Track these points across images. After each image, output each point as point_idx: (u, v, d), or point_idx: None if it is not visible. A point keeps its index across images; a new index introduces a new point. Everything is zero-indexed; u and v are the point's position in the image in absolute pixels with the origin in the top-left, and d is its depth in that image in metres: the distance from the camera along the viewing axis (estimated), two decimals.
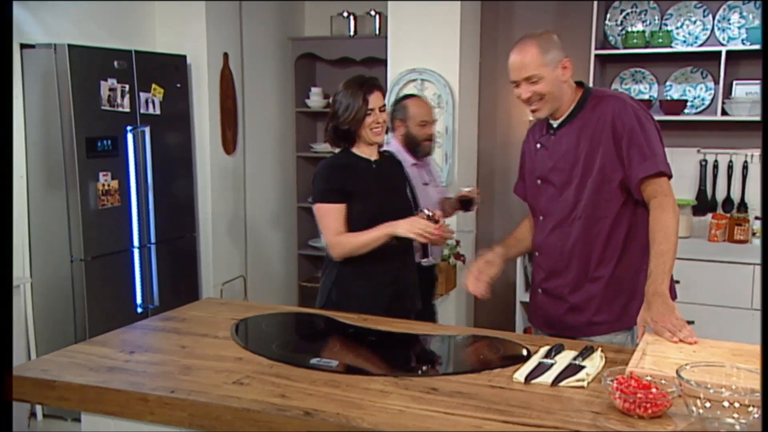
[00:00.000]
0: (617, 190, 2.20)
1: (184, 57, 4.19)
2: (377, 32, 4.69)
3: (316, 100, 4.89)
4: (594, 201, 2.21)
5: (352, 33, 4.77)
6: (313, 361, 1.93)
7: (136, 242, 3.90)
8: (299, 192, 5.01)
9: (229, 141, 4.49)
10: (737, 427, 1.45)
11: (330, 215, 2.50)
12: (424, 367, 1.95)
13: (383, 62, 4.34)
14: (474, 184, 4.48)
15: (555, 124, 2.29)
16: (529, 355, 1.93)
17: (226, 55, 4.40)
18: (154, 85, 3.93)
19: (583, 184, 2.22)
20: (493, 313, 4.54)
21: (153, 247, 4.00)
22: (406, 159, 3.00)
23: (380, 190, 2.53)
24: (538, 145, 2.35)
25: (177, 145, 4.18)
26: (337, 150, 2.64)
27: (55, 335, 3.58)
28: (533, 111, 2.25)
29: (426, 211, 2.44)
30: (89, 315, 3.59)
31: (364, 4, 4.72)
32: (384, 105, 2.54)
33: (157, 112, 3.97)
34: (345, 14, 4.78)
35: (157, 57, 4.03)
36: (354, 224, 2.49)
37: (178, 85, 4.14)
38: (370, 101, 2.47)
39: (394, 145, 3.10)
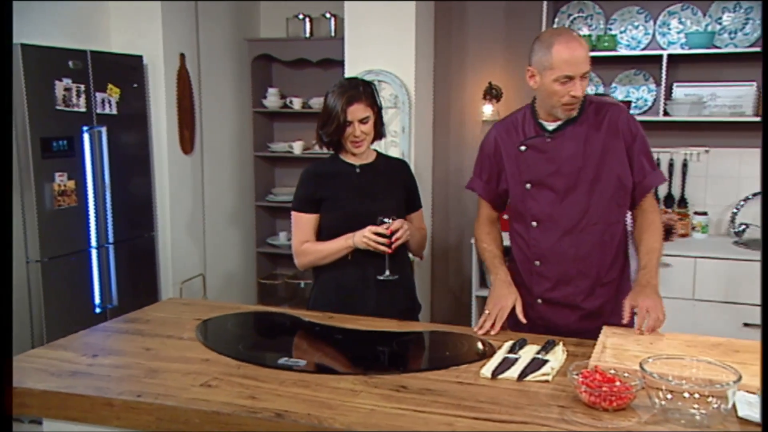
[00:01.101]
0: (629, 195, 2.17)
1: (140, 57, 4.05)
2: (333, 34, 4.63)
3: (272, 100, 4.80)
4: (608, 206, 2.14)
5: (308, 34, 4.70)
6: (281, 360, 1.88)
7: (93, 242, 3.76)
8: (257, 191, 4.92)
9: (187, 141, 4.37)
10: (698, 417, 1.46)
11: (299, 224, 2.44)
12: (392, 365, 1.91)
13: (340, 63, 4.28)
14: (429, 188, 4.47)
15: (551, 127, 2.15)
16: (494, 351, 1.91)
17: (182, 55, 4.28)
18: (110, 85, 3.79)
19: (593, 189, 2.12)
20: (449, 308, 4.55)
21: (111, 247, 3.87)
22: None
23: (357, 197, 2.39)
24: (523, 148, 2.19)
25: (134, 144, 4.04)
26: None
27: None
28: (569, 110, 2.08)
29: (386, 220, 2.29)
30: (46, 317, 3.44)
31: (320, 6, 4.65)
32: (366, 117, 2.36)
33: (114, 112, 3.83)
34: (300, 16, 4.70)
35: (112, 57, 3.89)
36: (326, 231, 2.41)
37: (135, 85, 4.01)
38: (348, 114, 2.33)
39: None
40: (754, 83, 3.68)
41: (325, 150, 2.52)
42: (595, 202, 2.13)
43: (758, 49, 3.65)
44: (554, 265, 2.18)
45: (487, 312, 2.12)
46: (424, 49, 4.23)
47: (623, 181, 2.13)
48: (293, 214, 2.46)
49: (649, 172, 2.15)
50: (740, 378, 1.46)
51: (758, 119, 3.63)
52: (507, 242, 2.36)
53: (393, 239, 2.29)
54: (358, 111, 2.33)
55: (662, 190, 3.98)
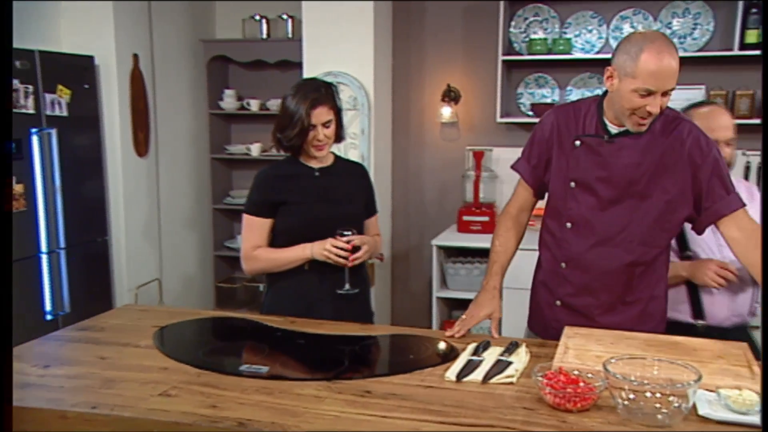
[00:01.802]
0: (678, 223, 2.02)
1: (91, 57, 3.94)
2: (291, 35, 4.58)
3: (229, 102, 4.72)
4: (651, 228, 1.99)
5: (265, 36, 4.63)
6: (243, 368, 1.83)
7: (44, 247, 3.63)
8: (214, 193, 4.83)
9: (141, 143, 4.26)
10: (659, 417, 1.47)
11: (250, 228, 2.36)
12: (356, 370, 1.88)
13: (298, 65, 4.23)
14: (389, 190, 4.46)
15: (614, 130, 1.98)
16: (458, 353, 1.90)
17: (135, 56, 4.17)
18: (60, 86, 3.67)
19: (638, 206, 1.98)
20: (410, 309, 4.54)
21: (62, 252, 3.75)
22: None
23: (316, 202, 2.33)
24: (578, 143, 2.02)
25: (86, 147, 3.93)
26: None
27: None
28: (640, 125, 1.91)
29: (346, 233, 2.23)
30: None
31: (277, 7, 4.59)
32: (329, 120, 2.30)
33: (65, 113, 3.71)
34: (257, 17, 4.64)
35: (62, 57, 3.77)
36: (284, 236, 2.34)
37: (86, 86, 3.89)
38: (312, 118, 2.25)
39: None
40: (703, 86, 3.76)
41: (282, 153, 2.45)
42: (638, 219, 1.99)
43: (707, 54, 3.75)
44: (580, 271, 2.06)
45: (464, 317, 2.09)
46: (383, 51, 4.21)
47: (674, 205, 1.97)
48: (246, 217, 2.37)
49: (723, 196, 1.94)
50: (700, 377, 1.47)
51: None
52: (528, 244, 2.27)
53: (352, 255, 2.24)
54: (321, 114, 2.27)
55: None
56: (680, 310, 2.23)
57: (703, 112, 2.20)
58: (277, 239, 2.36)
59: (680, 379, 1.51)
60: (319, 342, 2.07)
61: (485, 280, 2.16)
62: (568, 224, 2.07)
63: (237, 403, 1.62)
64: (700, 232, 2.05)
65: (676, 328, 2.09)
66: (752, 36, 3.59)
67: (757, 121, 3.65)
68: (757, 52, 3.58)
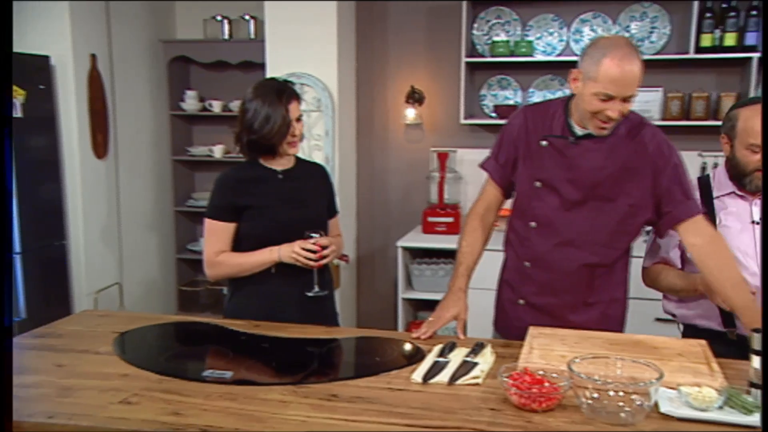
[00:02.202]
0: (639, 226, 2.05)
1: (47, 57, 3.83)
2: (253, 36, 4.52)
3: (191, 103, 4.65)
4: (613, 231, 2.02)
5: (227, 36, 4.57)
6: (206, 373, 1.80)
7: None
8: (176, 196, 4.75)
9: (100, 144, 4.16)
10: (622, 415, 1.48)
11: (213, 232, 2.29)
12: (322, 373, 1.86)
13: (260, 66, 4.19)
14: (354, 191, 4.44)
15: (579, 132, 2.00)
16: (424, 355, 1.90)
17: (93, 56, 4.07)
18: (14, 87, 3.56)
19: (601, 208, 2.00)
20: (376, 311, 4.53)
21: (18, 257, 3.64)
22: (722, 184, 2.15)
23: (282, 205, 2.28)
24: (544, 143, 2.03)
25: (43, 148, 3.82)
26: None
27: None
28: (602, 129, 1.93)
29: (314, 235, 2.20)
30: None
31: (238, 7, 4.53)
32: (301, 115, 2.28)
33: (19, 114, 3.61)
34: (218, 18, 4.57)
35: (16, 57, 3.65)
36: (250, 240, 2.28)
37: (42, 87, 3.78)
38: (291, 112, 2.22)
39: (720, 170, 2.20)
40: (661, 89, 3.84)
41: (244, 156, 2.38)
42: (601, 221, 2.01)
43: (664, 57, 3.82)
44: (543, 271, 2.09)
45: (431, 319, 2.08)
46: (347, 52, 4.20)
47: (636, 209, 2.00)
48: (208, 221, 2.30)
49: (682, 201, 1.98)
50: (662, 376, 1.49)
51: (665, 123, 3.79)
52: (494, 245, 2.29)
53: (321, 255, 2.21)
54: (295, 109, 2.25)
55: None
56: (711, 318, 2.14)
57: (616, 54, 1.85)
58: (241, 243, 2.30)
59: (642, 378, 1.53)
60: (285, 346, 2.04)
61: (451, 282, 2.16)
62: (533, 223, 2.09)
63: (200, 409, 1.59)
64: (661, 236, 2.11)
65: (708, 335, 2.03)
66: (707, 40, 3.67)
67: (713, 122, 3.73)
68: (712, 56, 3.66)
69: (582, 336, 1.94)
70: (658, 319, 3.50)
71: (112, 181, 4.34)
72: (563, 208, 2.04)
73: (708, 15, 3.65)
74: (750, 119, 2.01)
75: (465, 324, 2.10)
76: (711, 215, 2.08)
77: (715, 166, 3.84)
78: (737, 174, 2.06)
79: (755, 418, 1.46)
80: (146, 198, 4.66)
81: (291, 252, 2.20)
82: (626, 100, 1.86)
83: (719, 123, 3.66)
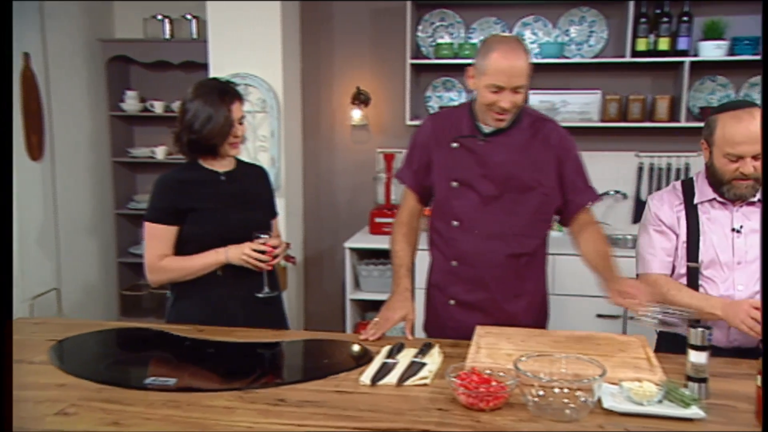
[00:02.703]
0: (552, 214, 2.15)
1: None
2: (195, 36, 4.43)
3: (131, 103, 4.52)
4: (531, 220, 2.11)
5: (168, 36, 4.46)
6: (148, 380, 1.74)
7: None
8: (117, 198, 4.61)
9: (35, 146, 4.00)
10: (567, 412, 1.50)
11: (155, 236, 2.22)
12: (269, 378, 1.82)
13: (203, 66, 4.10)
14: (300, 192, 4.40)
15: (486, 130, 2.09)
16: (372, 356, 1.88)
17: (26, 54, 3.91)
18: None
19: (518, 199, 2.09)
20: (324, 313, 4.49)
21: None
22: (704, 191, 2.08)
23: (226, 207, 2.21)
24: (455, 145, 2.11)
25: None
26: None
27: None
28: (499, 120, 2.02)
29: (263, 236, 2.17)
30: None
31: (180, 6, 4.43)
32: (244, 116, 2.25)
33: None
34: (159, 17, 4.46)
35: None
36: (194, 243, 2.21)
37: None
38: (233, 113, 2.18)
39: (701, 175, 2.12)
40: (599, 91, 3.93)
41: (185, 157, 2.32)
42: (519, 212, 2.10)
43: (602, 60, 3.91)
44: (471, 267, 2.14)
45: (376, 320, 2.08)
46: (292, 53, 4.15)
47: (549, 198, 2.11)
48: (148, 225, 2.23)
49: (582, 189, 2.13)
50: (605, 372, 1.52)
51: (603, 125, 3.89)
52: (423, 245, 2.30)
53: (271, 255, 2.17)
54: (238, 110, 2.21)
55: None
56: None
57: (503, 48, 1.97)
58: (185, 247, 2.23)
59: (586, 375, 1.55)
60: (230, 350, 2.00)
61: (395, 283, 2.18)
62: (455, 222, 2.15)
63: (142, 418, 1.54)
64: (566, 224, 2.20)
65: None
66: (642, 44, 3.77)
67: (649, 124, 3.84)
68: (647, 59, 3.76)
69: (528, 334, 1.97)
70: (599, 315, 3.60)
71: (49, 184, 4.17)
72: (482, 203, 2.12)
73: (643, 20, 3.75)
74: (728, 126, 1.94)
75: (413, 324, 2.10)
76: (694, 219, 2.07)
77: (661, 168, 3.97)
78: (716, 181, 2.02)
79: (693, 411, 1.50)
80: (85, 201, 4.50)
81: (241, 254, 2.15)
82: (516, 90, 1.96)
83: (654, 125, 3.84)
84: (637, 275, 2.16)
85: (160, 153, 4.47)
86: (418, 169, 2.22)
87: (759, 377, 1.47)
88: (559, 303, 3.61)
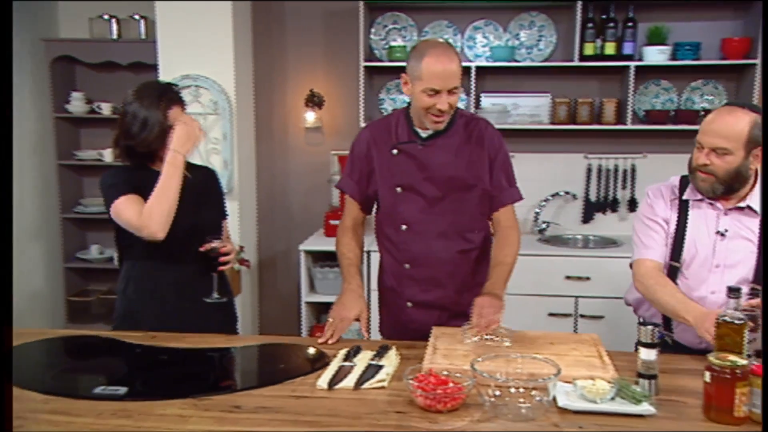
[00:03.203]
0: (490, 206, 2.20)
1: None
2: (144, 36, 4.32)
3: (77, 105, 4.38)
4: (474, 214, 2.17)
5: (115, 36, 4.34)
6: (98, 390, 1.69)
7: None
8: (63, 202, 4.45)
9: None
10: (523, 411, 1.51)
11: (127, 205, 2.07)
12: (224, 384, 1.78)
13: (153, 67, 4.00)
14: (254, 194, 4.33)
15: (424, 134, 2.14)
16: (329, 360, 1.86)
17: None
18: None
19: (460, 199, 2.15)
20: (278, 316, 4.44)
21: None
22: (694, 190, 2.07)
23: (180, 209, 2.11)
24: (395, 152, 2.17)
25: None
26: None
27: None
28: (437, 122, 2.06)
29: (215, 240, 2.13)
30: None
31: (127, 6, 4.31)
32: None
33: None
34: (106, 17, 4.33)
35: None
36: (142, 244, 2.13)
37: None
38: (171, 117, 2.12)
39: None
40: (549, 94, 3.98)
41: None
42: (463, 210, 2.16)
43: (551, 64, 3.97)
44: (424, 267, 2.18)
45: (330, 320, 2.06)
46: (243, 54, 4.09)
47: (486, 192, 2.17)
48: (115, 204, 2.08)
49: (505, 188, 2.19)
50: (559, 371, 1.53)
51: (553, 127, 3.95)
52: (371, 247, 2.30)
53: (223, 260, 2.14)
54: (179, 114, 2.15)
55: None
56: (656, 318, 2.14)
57: (434, 52, 1.99)
58: (134, 247, 2.18)
59: (541, 374, 1.56)
60: (183, 357, 1.94)
61: (345, 283, 2.17)
62: (403, 226, 2.19)
63: (91, 429, 1.49)
64: (489, 219, 2.24)
65: None
66: (589, 48, 3.84)
67: (597, 126, 3.91)
68: (594, 64, 3.83)
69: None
70: (551, 314, 3.65)
71: None
72: (427, 206, 2.16)
73: (590, 25, 3.83)
74: (706, 120, 1.99)
75: (368, 322, 2.10)
76: (683, 217, 2.08)
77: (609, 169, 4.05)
78: (689, 170, 2.05)
79: (644, 407, 1.52)
80: (29, 205, 4.34)
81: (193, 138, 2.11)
82: (452, 92, 2.00)
83: (603, 127, 3.91)
84: (630, 264, 2.17)
85: (108, 156, 4.34)
86: (360, 179, 2.24)
87: (707, 373, 1.50)
88: (512, 302, 3.65)
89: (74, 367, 2.00)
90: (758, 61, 3.63)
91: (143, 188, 2.13)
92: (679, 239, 2.06)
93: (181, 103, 2.19)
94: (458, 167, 2.13)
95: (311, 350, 1.98)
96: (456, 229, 2.16)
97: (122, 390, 1.68)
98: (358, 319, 2.08)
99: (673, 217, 2.10)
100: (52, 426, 1.49)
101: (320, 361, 1.87)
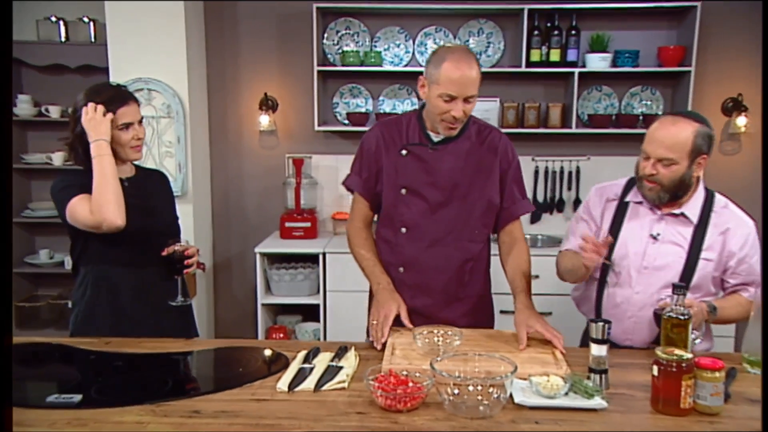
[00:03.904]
0: (494, 218, 2.15)
1: None
2: (93, 39, 4.18)
3: (24, 108, 4.20)
4: (475, 225, 2.11)
5: (63, 39, 4.19)
6: (51, 398, 1.62)
7: None
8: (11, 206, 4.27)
9: None
10: (481, 408, 1.51)
11: (81, 205, 2.01)
12: (182, 389, 1.73)
13: (102, 70, 3.88)
14: (208, 197, 4.24)
15: (436, 138, 2.08)
16: (288, 362, 1.83)
17: None
18: None
19: (463, 206, 2.08)
20: (234, 318, 4.36)
21: None
22: (636, 192, 2.10)
23: (132, 214, 2.05)
24: (404, 152, 2.10)
25: None
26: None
27: None
28: (451, 129, 2.01)
29: (177, 246, 2.06)
30: None
31: (75, 7, 4.16)
32: (143, 118, 2.14)
33: None
34: (53, 19, 4.18)
35: None
36: (103, 244, 2.07)
37: None
38: (129, 114, 2.06)
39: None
40: (498, 99, 4.02)
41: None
42: (464, 219, 2.10)
43: (499, 69, 4.01)
44: (416, 273, 2.12)
45: (374, 322, 1.99)
46: (197, 58, 4.00)
47: (492, 203, 2.12)
48: (70, 205, 2.01)
49: (518, 199, 2.15)
50: (515, 369, 1.54)
51: (502, 130, 3.97)
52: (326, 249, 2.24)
53: (189, 263, 2.08)
54: (133, 112, 2.09)
55: None
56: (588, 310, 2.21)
57: (454, 57, 1.95)
58: (88, 250, 2.11)
59: (498, 372, 1.57)
60: (139, 362, 1.88)
61: (375, 282, 2.10)
62: (403, 229, 2.13)
63: None
64: (495, 231, 2.20)
65: None
66: (535, 55, 3.90)
67: (544, 130, 3.97)
68: (540, 69, 3.90)
69: (442, 335, 1.96)
70: (503, 311, 3.67)
71: None
72: (429, 210, 2.10)
73: (536, 33, 3.88)
74: (651, 130, 1.98)
75: (408, 312, 2.02)
76: (619, 217, 2.11)
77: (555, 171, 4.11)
78: (636, 178, 2.05)
79: (596, 402, 1.54)
80: None
81: (98, 124, 2.01)
82: (467, 100, 1.96)
83: (549, 131, 3.98)
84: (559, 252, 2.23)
85: (57, 159, 4.19)
86: (368, 177, 2.18)
87: (655, 367, 1.53)
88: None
89: (24, 375, 1.90)
90: (692, 69, 3.76)
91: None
92: (613, 238, 2.08)
93: (135, 100, 2.13)
94: (465, 175, 2.08)
95: (269, 352, 1.94)
96: (454, 237, 2.10)
97: (77, 398, 1.61)
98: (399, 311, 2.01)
99: (607, 216, 2.13)
100: None
101: (279, 364, 1.83)
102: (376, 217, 2.25)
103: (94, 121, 2.02)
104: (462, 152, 2.08)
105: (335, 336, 3.70)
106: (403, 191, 2.11)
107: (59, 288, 4.37)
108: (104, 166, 2.01)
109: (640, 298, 2.04)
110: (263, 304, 3.81)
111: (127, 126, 2.08)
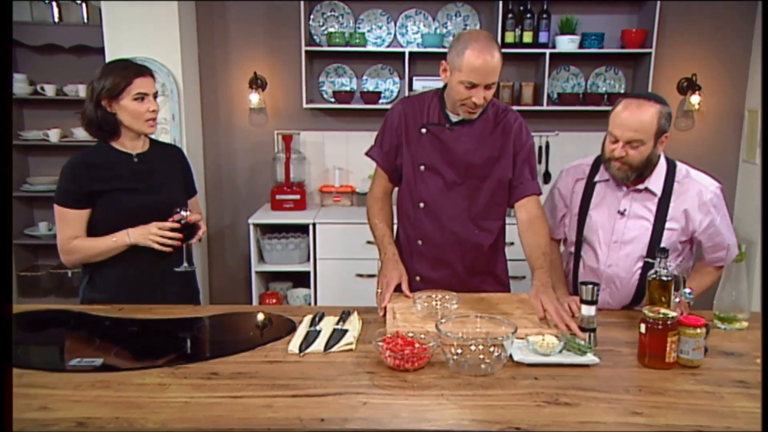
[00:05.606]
0: (508, 196, 2.09)
1: None
2: (86, 20, 4.01)
3: (20, 87, 4.03)
4: (489, 203, 2.07)
5: (56, 19, 4.01)
6: (73, 362, 1.57)
7: None
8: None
9: None
10: (483, 366, 1.51)
11: (65, 220, 2.00)
12: (198, 353, 1.69)
13: (97, 50, 3.73)
14: (202, 172, 4.15)
15: (454, 119, 2.03)
16: (296, 326, 1.80)
17: None
18: None
19: (478, 186, 2.04)
20: (228, 287, 4.30)
21: None
22: (603, 171, 2.08)
23: (138, 189, 2.01)
24: (424, 131, 2.05)
25: None
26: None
27: None
28: (468, 113, 1.96)
29: (183, 213, 2.00)
30: None
31: None
32: (157, 92, 2.06)
33: None
34: (46, 0, 4.00)
35: None
36: (106, 226, 2.01)
37: None
38: (144, 85, 1.99)
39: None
40: None
41: (89, 138, 2.09)
42: (479, 197, 2.06)
43: None
44: (434, 247, 2.09)
45: (378, 291, 1.97)
46: (189, 38, 3.87)
47: (504, 183, 2.07)
48: (58, 208, 2.00)
49: (527, 179, 2.07)
50: (516, 330, 1.54)
51: None
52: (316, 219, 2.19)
53: (188, 231, 2.02)
54: (148, 84, 2.01)
55: None
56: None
57: (477, 45, 1.87)
58: (95, 228, 2.03)
59: (497, 332, 1.56)
60: (154, 327, 1.84)
61: (382, 252, 2.08)
62: (421, 204, 2.10)
63: (71, 401, 1.38)
64: (510, 206, 2.14)
65: None
66: (510, 37, 3.85)
67: (517, 107, 3.93)
68: (514, 50, 3.84)
69: (440, 299, 1.95)
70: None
71: None
72: (446, 188, 2.07)
73: (510, 16, 3.84)
74: (616, 113, 1.93)
75: (409, 281, 2.01)
76: (588, 196, 2.09)
77: None
78: (604, 159, 2.01)
79: (589, 358, 1.55)
80: None
81: (148, 235, 1.98)
82: (488, 87, 1.90)
83: (522, 108, 3.95)
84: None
85: (53, 136, 4.04)
86: (389, 150, 2.13)
87: (642, 325, 1.54)
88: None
89: (44, 341, 1.85)
90: (652, 51, 3.76)
91: (101, 166, 2.01)
92: (583, 216, 2.09)
93: (151, 74, 2.05)
94: (478, 156, 2.03)
95: (277, 317, 1.91)
96: (470, 215, 2.07)
97: (98, 361, 1.57)
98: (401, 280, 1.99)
99: (576, 196, 2.12)
100: (31, 399, 1.38)
101: (287, 328, 1.80)
102: (396, 190, 2.21)
103: (144, 236, 1.98)
104: (477, 134, 2.03)
105: (324, 300, 3.68)
106: (422, 168, 2.08)
107: (58, 258, 4.25)
108: (106, 246, 2.00)
109: (612, 271, 2.04)
110: (257, 272, 3.76)
111: (142, 97, 2.00)
